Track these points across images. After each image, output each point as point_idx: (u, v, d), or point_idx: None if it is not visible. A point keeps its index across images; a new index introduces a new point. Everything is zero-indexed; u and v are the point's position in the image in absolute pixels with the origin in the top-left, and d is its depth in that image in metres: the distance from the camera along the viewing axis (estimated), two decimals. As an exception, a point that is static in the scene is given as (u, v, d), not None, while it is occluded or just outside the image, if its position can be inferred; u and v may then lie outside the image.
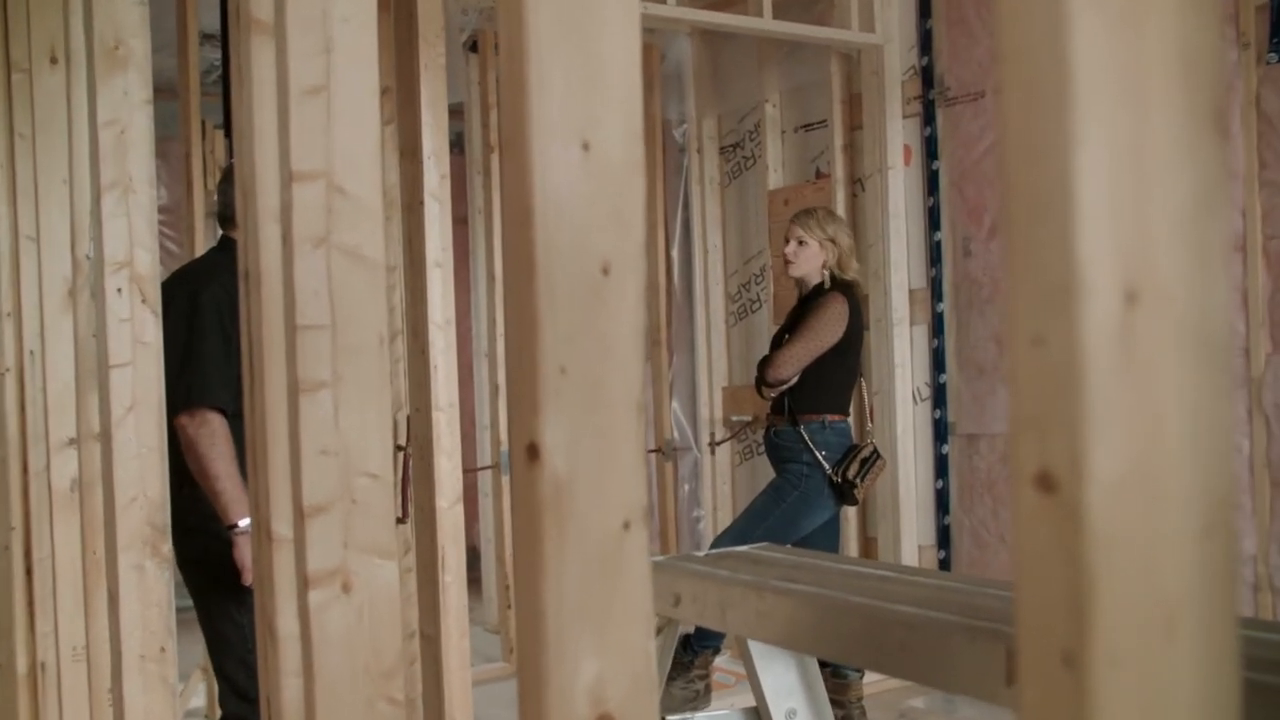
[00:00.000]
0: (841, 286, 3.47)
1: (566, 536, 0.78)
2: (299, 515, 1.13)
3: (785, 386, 3.41)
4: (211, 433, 2.41)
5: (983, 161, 3.89)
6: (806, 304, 3.51)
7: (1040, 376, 0.44)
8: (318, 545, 1.12)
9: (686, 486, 5.10)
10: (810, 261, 3.48)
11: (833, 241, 3.48)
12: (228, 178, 2.64)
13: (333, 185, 1.15)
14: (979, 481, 3.95)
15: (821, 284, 3.47)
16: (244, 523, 2.38)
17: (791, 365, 3.40)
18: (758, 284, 4.84)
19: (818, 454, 3.42)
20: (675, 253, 5.09)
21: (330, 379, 1.13)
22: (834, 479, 3.42)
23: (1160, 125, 0.48)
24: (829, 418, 3.45)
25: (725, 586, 1.08)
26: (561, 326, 0.78)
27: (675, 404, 5.09)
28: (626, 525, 0.80)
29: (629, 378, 0.81)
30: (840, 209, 4.31)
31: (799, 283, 3.56)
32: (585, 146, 0.80)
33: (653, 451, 4.81)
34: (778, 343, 3.55)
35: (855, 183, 4.32)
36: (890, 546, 4.10)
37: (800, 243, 3.48)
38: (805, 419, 3.42)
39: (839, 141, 4.31)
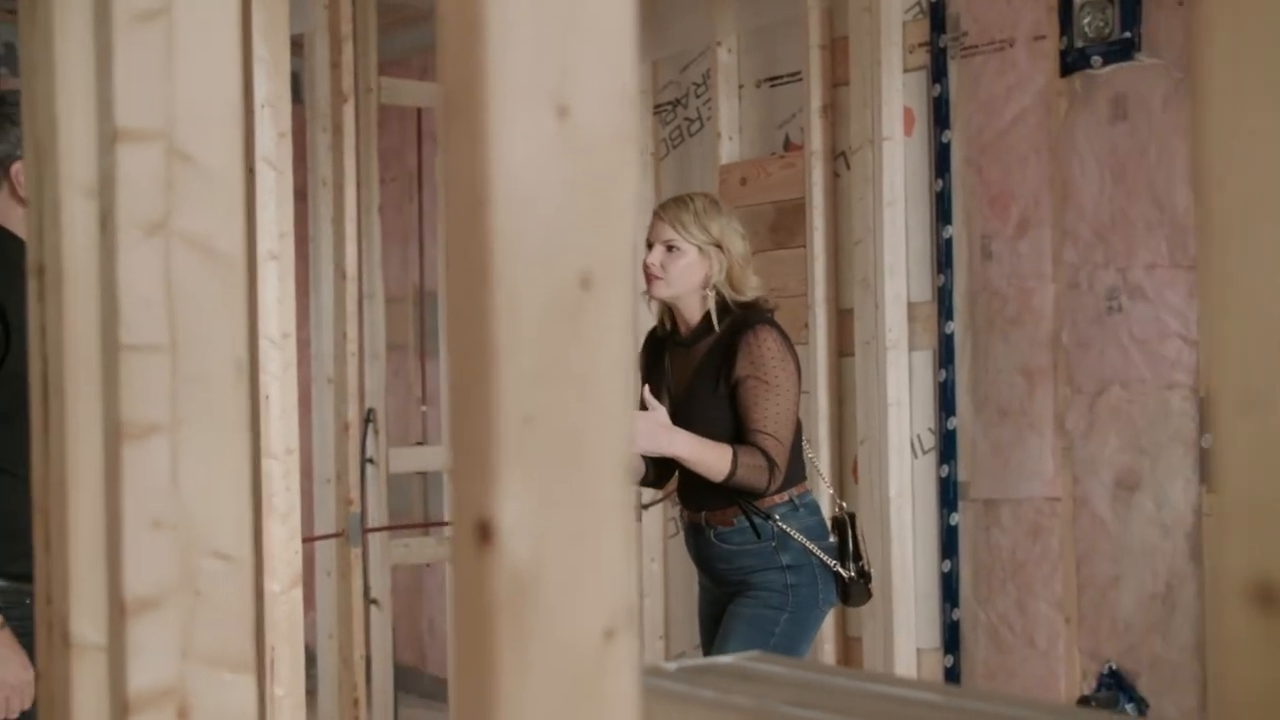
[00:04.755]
0: (749, 313, 3.19)
1: (530, 650, 0.77)
2: (118, 612, 1.10)
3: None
4: None
5: (1010, 132, 3.97)
6: (691, 346, 3.22)
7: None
8: (144, 654, 1.09)
9: (602, 565, 5.09)
10: (686, 277, 3.17)
11: (718, 246, 3.17)
12: None
13: (175, 150, 1.13)
14: (1000, 563, 4.01)
15: (708, 312, 3.19)
16: None
17: (785, 447, 3.15)
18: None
19: (809, 545, 3.20)
20: (592, 245, 5.09)
21: (168, 421, 1.10)
22: (843, 574, 3.22)
23: None
24: (794, 492, 3.23)
25: (717, 713, 1.07)
26: (527, 360, 0.77)
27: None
28: (610, 634, 0.79)
29: (615, 428, 0.80)
30: (816, 191, 4.36)
31: (669, 309, 3.28)
32: (561, 112, 0.79)
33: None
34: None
35: (837, 157, 4.38)
36: (879, 650, 4.13)
37: (671, 248, 3.17)
38: (769, 503, 3.17)
39: (816, 102, 4.37)
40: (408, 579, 5.74)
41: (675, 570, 4.91)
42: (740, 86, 4.77)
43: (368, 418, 4.81)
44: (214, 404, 1.13)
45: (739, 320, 3.18)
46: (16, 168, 2.50)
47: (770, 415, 3.13)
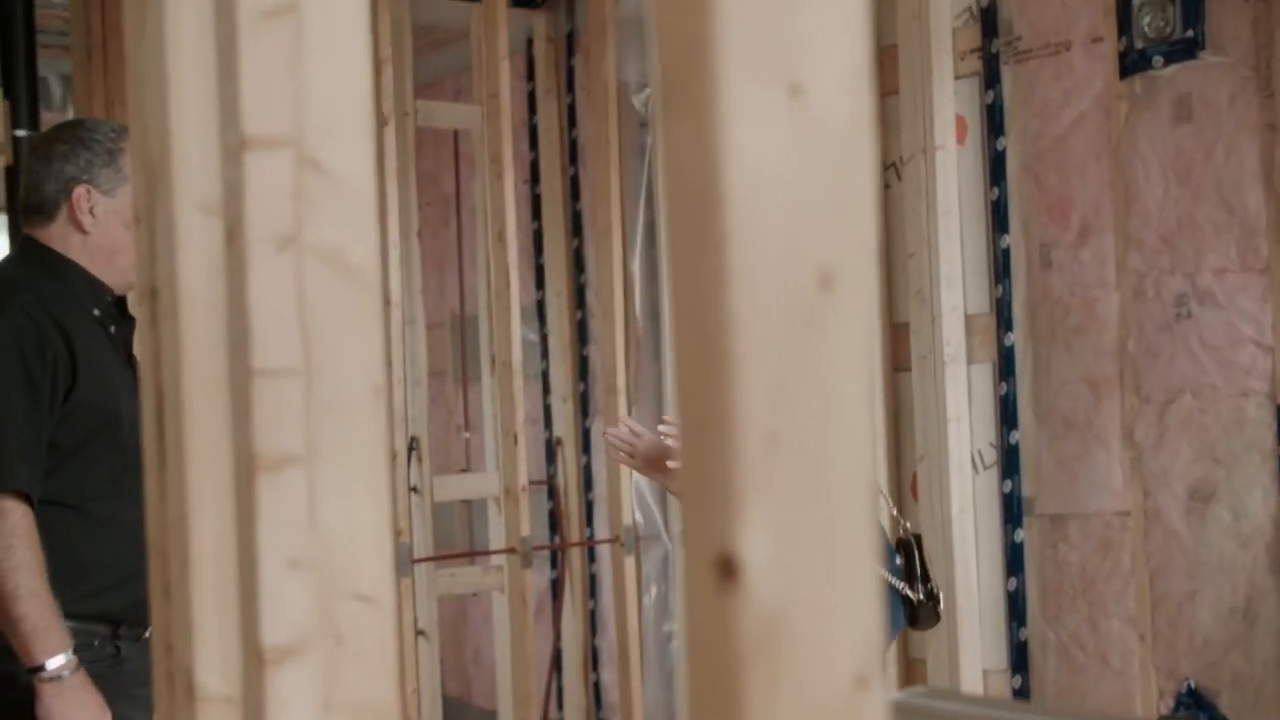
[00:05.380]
0: None
1: (779, 700, 0.68)
2: (254, 662, 1.01)
3: None
4: (10, 530, 2.27)
5: (1068, 137, 3.88)
6: None
7: None
8: (285, 707, 1.00)
9: (654, 590, 4.99)
10: None
11: None
12: (39, 153, 2.52)
13: (305, 157, 1.04)
14: (1069, 580, 3.91)
15: None
16: (55, 663, 2.26)
17: None
18: (750, 308, 4.78)
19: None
20: (637, 266, 5.01)
21: (303, 451, 1.01)
22: (911, 597, 3.21)
23: None
24: None
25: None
26: (768, 371, 0.68)
27: (636, 475, 4.99)
28: (861, 681, 0.70)
29: (861, 446, 0.71)
30: (867, 205, 4.27)
31: None
32: (794, 91, 0.70)
33: (608, 542, 4.70)
34: None
35: (888, 168, 4.29)
36: (944, 672, 4.03)
37: None
38: None
39: (864, 112, 4.28)
40: (452, 609, 5.64)
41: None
42: (783, 100, 4.69)
43: (411, 446, 4.73)
44: (351, 432, 1.03)
45: None
46: (79, 192, 2.43)
47: None
